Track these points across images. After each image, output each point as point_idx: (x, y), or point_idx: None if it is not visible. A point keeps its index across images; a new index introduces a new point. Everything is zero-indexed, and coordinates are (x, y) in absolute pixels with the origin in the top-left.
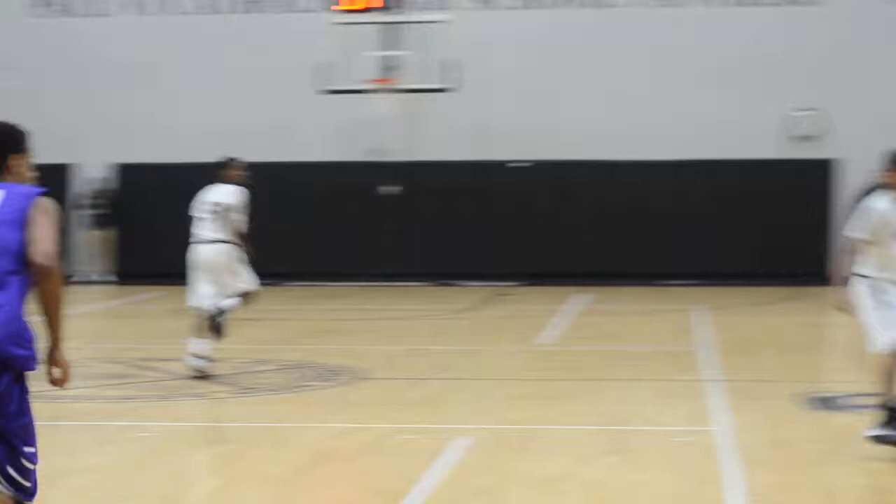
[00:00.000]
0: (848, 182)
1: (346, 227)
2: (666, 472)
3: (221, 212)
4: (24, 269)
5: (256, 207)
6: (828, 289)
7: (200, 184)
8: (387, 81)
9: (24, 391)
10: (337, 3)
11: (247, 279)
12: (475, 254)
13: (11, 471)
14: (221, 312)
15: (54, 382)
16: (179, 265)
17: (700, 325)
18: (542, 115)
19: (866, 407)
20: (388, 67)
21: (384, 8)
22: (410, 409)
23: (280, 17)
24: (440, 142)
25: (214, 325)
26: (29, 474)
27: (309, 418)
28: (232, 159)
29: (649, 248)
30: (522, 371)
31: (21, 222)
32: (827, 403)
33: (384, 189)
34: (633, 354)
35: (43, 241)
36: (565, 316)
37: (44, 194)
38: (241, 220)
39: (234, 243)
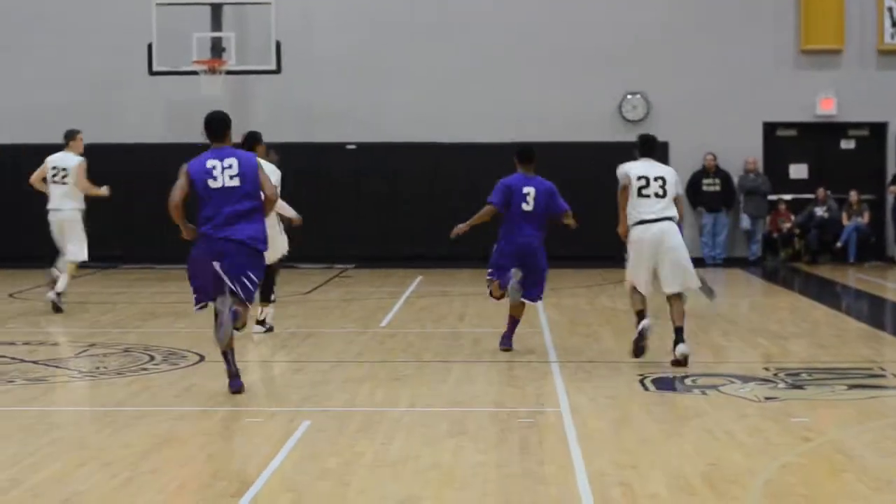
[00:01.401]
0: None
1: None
2: (511, 453)
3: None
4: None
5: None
6: None
7: (28, 165)
8: (214, 63)
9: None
10: None
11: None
12: (311, 237)
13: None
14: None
15: None
16: (16, 248)
17: (539, 306)
18: (367, 97)
19: (705, 387)
20: (216, 49)
21: None
22: (252, 393)
23: None
24: (268, 124)
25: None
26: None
27: (149, 403)
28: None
29: (481, 231)
30: (363, 353)
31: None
32: (667, 384)
33: None
34: (472, 336)
35: (268, 186)
36: (402, 298)
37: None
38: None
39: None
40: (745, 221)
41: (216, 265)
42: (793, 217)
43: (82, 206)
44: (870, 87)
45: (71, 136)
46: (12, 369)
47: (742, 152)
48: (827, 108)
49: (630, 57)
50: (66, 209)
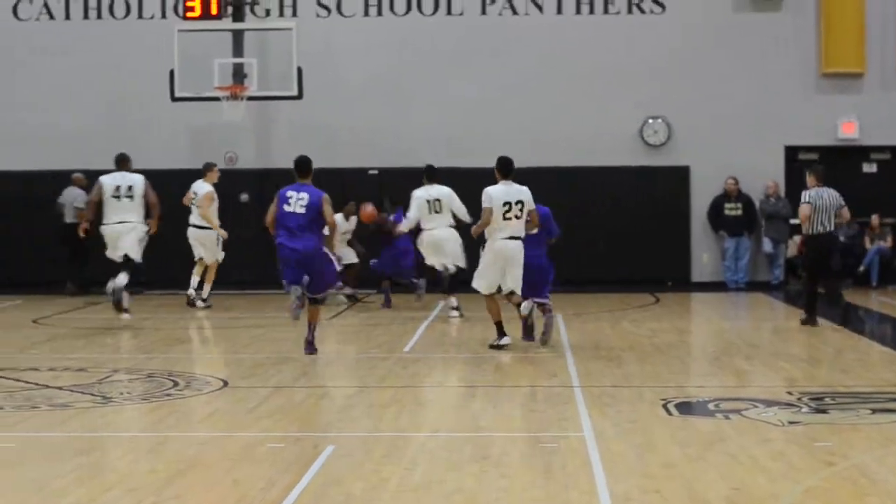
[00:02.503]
0: (698, 189)
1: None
2: (535, 477)
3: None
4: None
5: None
6: (684, 295)
7: (50, 190)
8: (236, 88)
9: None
10: (185, 10)
11: None
12: None
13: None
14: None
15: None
16: (29, 274)
17: (562, 331)
18: (389, 122)
19: (729, 412)
20: (238, 74)
21: (232, 15)
22: (276, 418)
23: (127, 23)
24: (290, 150)
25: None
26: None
27: (173, 428)
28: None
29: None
30: (387, 378)
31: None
32: (690, 408)
33: (244, 197)
34: (495, 361)
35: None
36: (425, 323)
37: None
38: None
39: None
40: (768, 245)
41: (289, 267)
42: None
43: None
44: (891, 110)
45: (208, 167)
46: (37, 395)
47: (763, 176)
48: (849, 131)
49: (651, 81)
50: (202, 227)
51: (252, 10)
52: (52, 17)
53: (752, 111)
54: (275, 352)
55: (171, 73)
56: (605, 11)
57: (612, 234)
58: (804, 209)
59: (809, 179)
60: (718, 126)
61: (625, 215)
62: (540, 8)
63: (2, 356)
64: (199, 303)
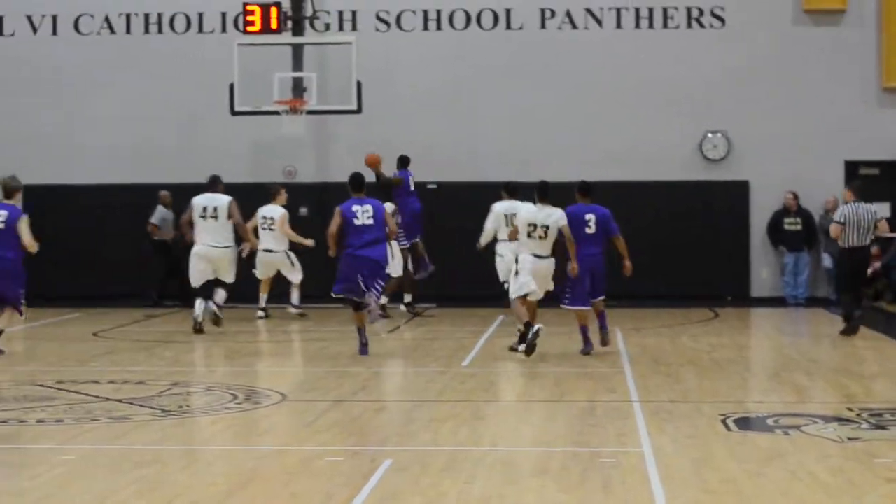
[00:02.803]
0: (757, 203)
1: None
2: (594, 493)
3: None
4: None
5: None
6: (743, 310)
7: (112, 204)
8: (296, 102)
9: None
10: (245, 25)
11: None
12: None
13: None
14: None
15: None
16: (90, 288)
17: (620, 346)
18: (448, 137)
19: (788, 427)
20: (297, 88)
21: (292, 29)
22: (334, 432)
23: (188, 37)
24: (349, 164)
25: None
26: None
27: (232, 441)
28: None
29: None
30: (445, 393)
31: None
32: (749, 424)
33: (303, 211)
34: (554, 376)
35: (391, 224)
36: (483, 337)
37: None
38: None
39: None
40: (827, 261)
41: (359, 276)
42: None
43: (287, 246)
44: None
45: (276, 190)
46: (97, 408)
47: (824, 191)
48: None
49: (710, 95)
50: (277, 251)
51: (312, 25)
52: (112, 31)
53: (812, 125)
54: (334, 366)
55: (231, 87)
56: (665, 26)
57: (670, 249)
58: (834, 229)
59: (846, 194)
60: (778, 140)
61: (684, 230)
62: (599, 22)
63: (62, 369)
64: (260, 313)
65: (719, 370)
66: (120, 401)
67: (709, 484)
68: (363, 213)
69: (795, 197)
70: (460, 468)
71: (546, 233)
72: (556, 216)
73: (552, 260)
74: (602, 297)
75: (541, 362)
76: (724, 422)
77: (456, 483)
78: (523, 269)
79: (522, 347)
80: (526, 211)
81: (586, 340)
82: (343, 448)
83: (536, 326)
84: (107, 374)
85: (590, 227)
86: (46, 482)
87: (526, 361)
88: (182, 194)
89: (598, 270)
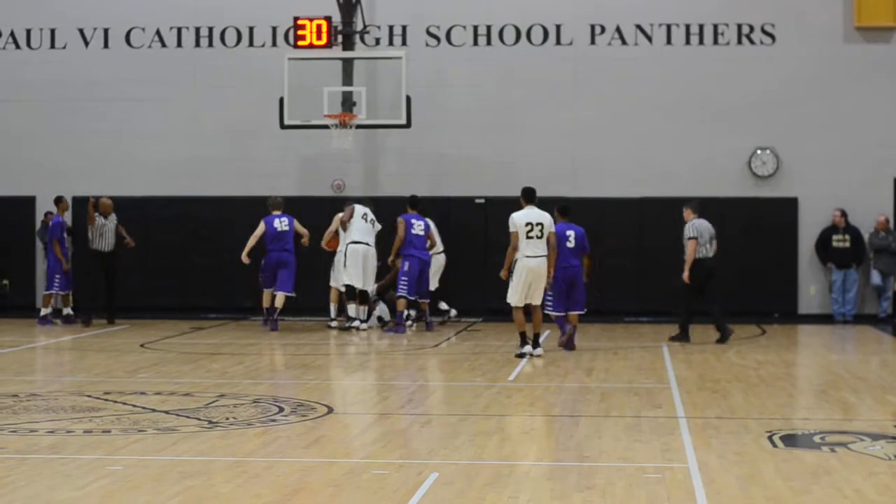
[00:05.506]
0: (806, 220)
1: (325, 259)
2: None
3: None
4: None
5: (226, 242)
6: (790, 327)
7: (162, 217)
8: (345, 117)
9: None
10: (295, 39)
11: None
12: (439, 290)
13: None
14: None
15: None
16: (143, 298)
17: (667, 362)
18: (497, 151)
19: (834, 445)
20: (347, 103)
21: (342, 44)
22: (380, 445)
23: (238, 51)
24: (398, 178)
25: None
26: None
27: (278, 453)
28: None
29: (613, 284)
30: (491, 407)
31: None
32: (795, 441)
33: None
34: (600, 391)
35: (434, 237)
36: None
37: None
38: None
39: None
40: (876, 278)
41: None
42: None
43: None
44: None
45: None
46: (144, 419)
47: (873, 208)
48: None
49: (760, 111)
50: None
51: (362, 39)
52: (163, 44)
53: (861, 143)
54: (380, 378)
55: (281, 100)
56: (715, 42)
57: (718, 265)
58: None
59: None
60: (827, 158)
61: (732, 246)
62: (649, 38)
63: (110, 380)
64: (334, 323)
65: (766, 387)
66: (167, 412)
67: (755, 501)
68: (418, 225)
69: (843, 214)
70: (505, 482)
71: (542, 231)
72: (547, 217)
73: (545, 258)
74: (579, 312)
75: (586, 377)
76: (770, 439)
77: (501, 497)
78: (517, 279)
79: (524, 350)
80: (518, 216)
81: (566, 336)
82: (389, 461)
83: (525, 348)
84: (154, 385)
85: (570, 241)
86: (93, 492)
87: (571, 376)
88: (230, 207)
89: (578, 280)
